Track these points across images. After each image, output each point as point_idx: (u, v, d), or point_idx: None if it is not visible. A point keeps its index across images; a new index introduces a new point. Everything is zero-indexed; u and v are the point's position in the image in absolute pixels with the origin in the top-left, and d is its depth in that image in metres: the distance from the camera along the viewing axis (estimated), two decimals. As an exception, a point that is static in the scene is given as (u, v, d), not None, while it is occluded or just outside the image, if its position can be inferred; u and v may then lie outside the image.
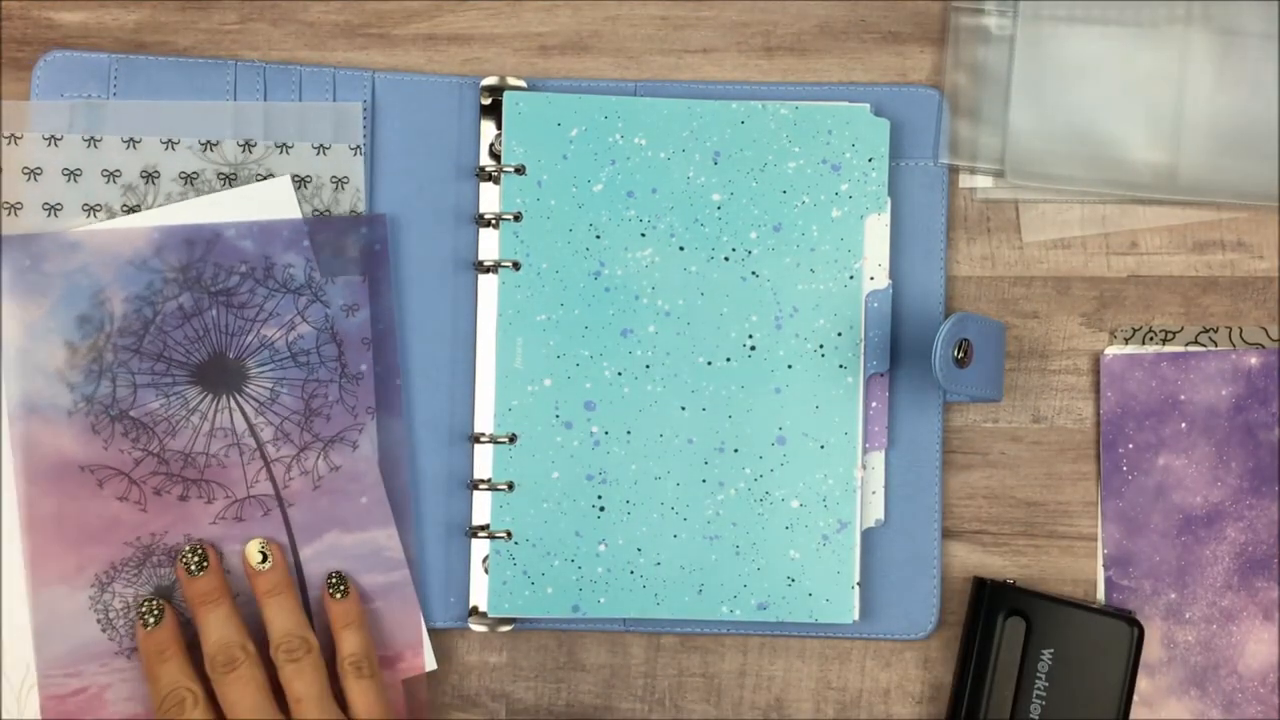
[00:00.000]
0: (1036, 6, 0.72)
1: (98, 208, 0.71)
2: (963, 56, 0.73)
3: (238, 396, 0.68)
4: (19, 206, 0.70)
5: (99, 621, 0.67)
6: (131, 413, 0.67)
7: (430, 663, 0.69)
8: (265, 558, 0.67)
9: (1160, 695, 0.72)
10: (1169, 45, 0.72)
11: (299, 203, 0.71)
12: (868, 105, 0.72)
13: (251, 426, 0.68)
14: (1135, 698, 0.70)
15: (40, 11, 0.73)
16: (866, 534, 0.72)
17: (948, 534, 0.73)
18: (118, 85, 0.71)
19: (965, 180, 0.73)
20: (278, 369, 0.69)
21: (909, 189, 0.73)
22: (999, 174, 0.73)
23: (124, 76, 0.72)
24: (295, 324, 0.69)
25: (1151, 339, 0.73)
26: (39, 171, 0.71)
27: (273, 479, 0.68)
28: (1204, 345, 0.73)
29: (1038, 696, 0.69)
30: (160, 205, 0.70)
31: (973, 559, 0.73)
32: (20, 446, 0.66)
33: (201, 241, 0.68)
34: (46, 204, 0.70)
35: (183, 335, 0.68)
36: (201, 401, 0.68)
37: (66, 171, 0.71)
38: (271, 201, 0.69)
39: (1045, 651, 0.69)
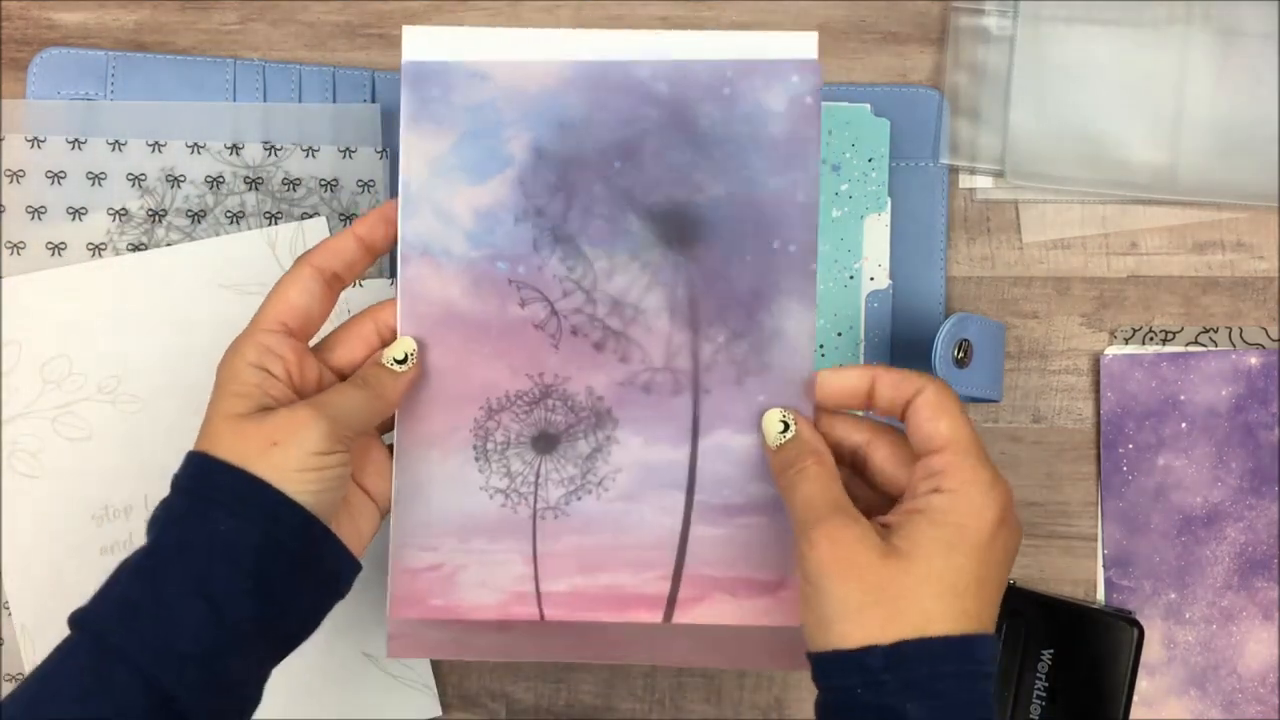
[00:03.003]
0: (1036, 7, 0.72)
1: (123, 212, 0.71)
2: (963, 57, 0.73)
3: (689, 260, 0.60)
4: (42, 210, 0.70)
5: (475, 448, 0.61)
6: (578, 239, 0.60)
7: None
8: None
9: (1160, 695, 0.72)
10: (1169, 45, 0.72)
11: (323, 204, 0.71)
12: (868, 105, 0.72)
13: (693, 294, 0.60)
14: (1135, 698, 0.70)
15: (40, 11, 0.73)
16: (866, 534, 0.72)
17: (948, 534, 0.73)
18: (115, 84, 0.72)
19: (965, 180, 0.73)
20: (739, 243, 0.60)
21: (909, 189, 0.73)
22: (999, 174, 0.73)
23: (121, 75, 0.72)
24: (774, 217, 0.60)
25: (1151, 339, 0.73)
26: (62, 175, 0.71)
27: (695, 358, 0.61)
28: (1204, 345, 0.73)
29: (1038, 697, 0.69)
30: (178, 207, 0.71)
31: (973, 559, 0.73)
32: (405, 291, 0.60)
33: (613, 81, 0.60)
34: (70, 208, 0.71)
35: (656, 181, 0.60)
36: (651, 251, 0.61)
37: (90, 175, 0.71)
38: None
39: (1045, 652, 0.69)
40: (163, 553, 0.53)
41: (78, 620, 0.53)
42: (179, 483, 0.55)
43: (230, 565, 0.53)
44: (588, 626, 0.61)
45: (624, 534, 0.61)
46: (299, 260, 0.59)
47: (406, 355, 0.59)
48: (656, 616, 0.60)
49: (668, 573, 0.60)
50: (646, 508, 0.61)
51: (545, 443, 0.61)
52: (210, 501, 0.54)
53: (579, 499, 0.61)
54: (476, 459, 0.61)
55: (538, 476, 0.61)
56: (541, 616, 0.60)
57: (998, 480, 0.54)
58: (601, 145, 0.60)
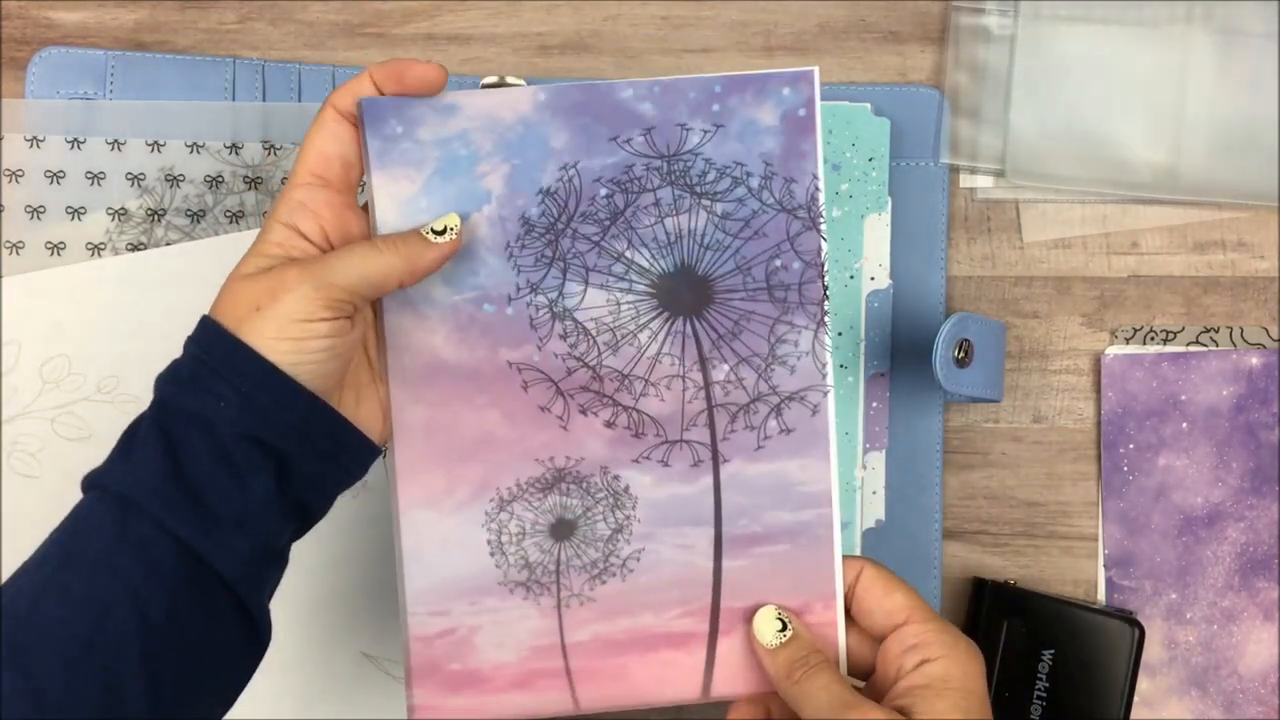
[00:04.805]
0: (1037, 6, 0.72)
1: (122, 212, 0.71)
2: (963, 56, 0.73)
3: (696, 322, 0.58)
4: (41, 210, 0.70)
5: (489, 543, 0.58)
6: (576, 314, 0.57)
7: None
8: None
9: (1161, 695, 0.72)
10: (1169, 45, 0.72)
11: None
12: (868, 105, 0.72)
13: (703, 360, 0.58)
14: (1136, 698, 0.70)
15: (40, 11, 0.73)
16: (866, 534, 0.72)
17: (948, 534, 0.73)
18: (114, 83, 0.71)
19: (965, 180, 0.73)
20: (749, 300, 0.58)
21: (909, 189, 0.72)
22: (999, 174, 0.73)
23: (120, 74, 0.72)
24: (782, 250, 0.57)
25: (1152, 339, 0.73)
26: (61, 175, 0.71)
27: (713, 427, 0.58)
28: (1205, 345, 0.73)
29: (1038, 697, 0.69)
30: (178, 207, 0.71)
31: (973, 559, 0.73)
32: (390, 344, 0.57)
33: (594, 104, 0.57)
34: (69, 208, 0.71)
35: (651, 237, 0.57)
36: (655, 319, 0.58)
37: (89, 175, 0.71)
38: None
39: (1046, 652, 0.69)
40: (173, 417, 0.51)
41: (98, 483, 0.51)
42: (187, 345, 0.53)
43: (239, 433, 0.51)
44: (618, 678, 0.59)
45: (651, 583, 0.58)
46: (322, 107, 0.55)
47: (447, 228, 0.55)
48: (692, 659, 0.58)
49: (696, 608, 0.58)
50: (670, 548, 0.58)
51: (563, 529, 0.58)
52: (206, 366, 0.51)
53: (603, 583, 0.58)
54: (492, 554, 0.58)
55: (558, 565, 0.58)
56: (568, 669, 0.58)
57: (961, 632, 0.55)
58: (586, 183, 0.57)
